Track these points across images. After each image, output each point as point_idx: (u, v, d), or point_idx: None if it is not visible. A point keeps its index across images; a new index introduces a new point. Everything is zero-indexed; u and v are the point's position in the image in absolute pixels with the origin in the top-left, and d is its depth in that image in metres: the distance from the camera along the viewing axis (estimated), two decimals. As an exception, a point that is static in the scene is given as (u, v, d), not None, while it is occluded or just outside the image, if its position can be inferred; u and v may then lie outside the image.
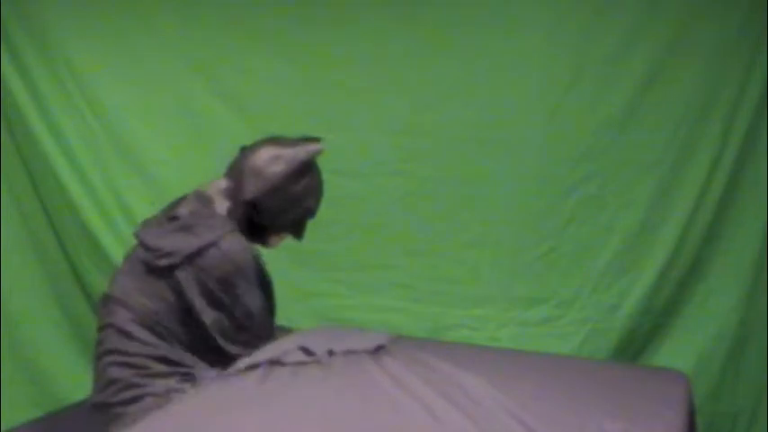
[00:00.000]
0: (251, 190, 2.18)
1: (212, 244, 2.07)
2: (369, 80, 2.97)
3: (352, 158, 3.00)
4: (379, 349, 2.08)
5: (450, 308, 2.99)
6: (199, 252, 2.05)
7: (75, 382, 3.03)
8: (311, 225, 3.07)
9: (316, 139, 2.34)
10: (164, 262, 2.05)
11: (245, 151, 2.24)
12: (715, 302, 2.77)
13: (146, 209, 2.79)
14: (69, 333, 3.16)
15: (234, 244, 2.10)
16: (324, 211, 3.05)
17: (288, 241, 3.15)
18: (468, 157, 2.92)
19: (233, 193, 2.20)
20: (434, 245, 3.00)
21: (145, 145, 3.13)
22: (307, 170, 2.26)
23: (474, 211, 2.95)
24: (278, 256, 3.02)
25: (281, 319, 3.06)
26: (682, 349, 2.79)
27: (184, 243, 2.07)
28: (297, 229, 2.34)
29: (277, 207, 2.22)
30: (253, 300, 2.13)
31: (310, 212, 2.33)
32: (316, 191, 2.32)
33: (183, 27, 3.06)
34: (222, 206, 2.19)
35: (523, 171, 2.89)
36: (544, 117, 2.84)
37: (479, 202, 2.94)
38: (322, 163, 3.02)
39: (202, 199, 2.20)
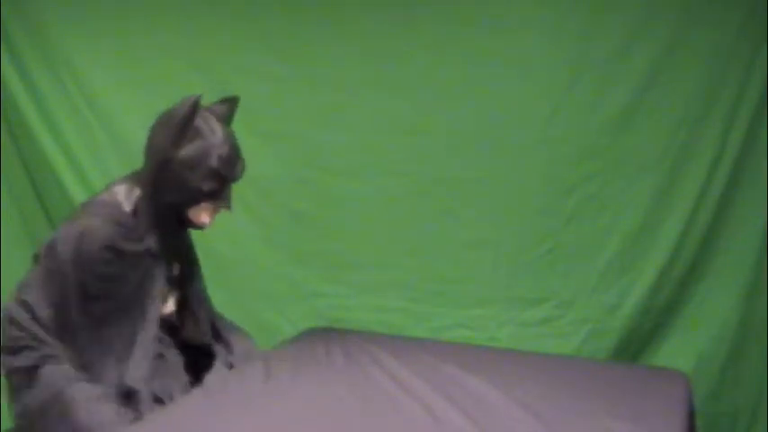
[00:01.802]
0: (144, 171, 2.11)
1: (56, 234, 2.06)
2: (369, 80, 2.96)
3: (352, 158, 3.00)
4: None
5: (450, 308, 2.99)
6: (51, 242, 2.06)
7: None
8: (311, 225, 3.08)
9: (233, 99, 2.22)
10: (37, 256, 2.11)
11: None
12: (715, 302, 2.77)
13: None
14: (69, 333, 3.16)
15: (65, 232, 2.03)
16: (324, 211, 3.07)
17: (288, 241, 3.15)
18: (468, 157, 2.92)
19: (137, 176, 2.16)
20: (434, 245, 3.00)
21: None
22: (191, 127, 2.05)
23: (474, 211, 2.95)
24: (278, 256, 3.03)
25: (281, 318, 3.08)
26: (682, 349, 2.79)
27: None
28: (216, 196, 2.10)
29: (173, 177, 2.04)
30: (40, 290, 2.03)
31: (218, 174, 2.05)
32: (215, 147, 2.04)
33: (183, 27, 3.06)
34: (123, 191, 2.12)
35: (523, 171, 2.89)
36: (544, 117, 2.84)
37: (479, 202, 2.94)
38: (322, 163, 3.04)
39: (109, 189, 2.16)
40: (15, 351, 2.01)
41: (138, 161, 3.09)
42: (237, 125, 3.13)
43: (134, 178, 2.17)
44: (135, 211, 2.10)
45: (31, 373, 1.99)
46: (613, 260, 2.85)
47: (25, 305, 2.02)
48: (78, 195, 3.07)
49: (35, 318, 2.01)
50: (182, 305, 2.31)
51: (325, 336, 2.49)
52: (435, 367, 2.11)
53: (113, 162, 3.11)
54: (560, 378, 2.10)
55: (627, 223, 2.82)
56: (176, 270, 2.26)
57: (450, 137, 2.93)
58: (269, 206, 3.08)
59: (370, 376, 2.06)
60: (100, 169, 3.11)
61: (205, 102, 2.15)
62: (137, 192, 2.12)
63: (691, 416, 2.05)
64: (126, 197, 2.11)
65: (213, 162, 2.03)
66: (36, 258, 2.13)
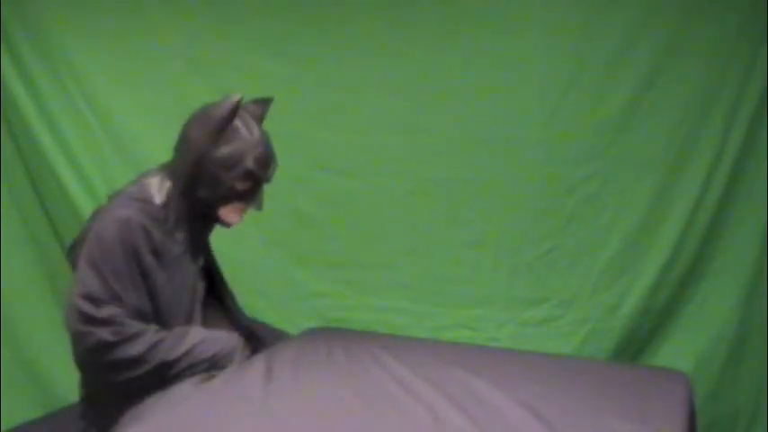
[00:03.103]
0: (177, 163, 2.13)
1: (95, 224, 2.07)
2: (369, 80, 2.96)
3: (352, 158, 3.00)
4: None
5: (450, 308, 2.99)
6: (83, 239, 2.08)
7: (75, 382, 3.02)
8: (311, 225, 3.09)
9: (267, 100, 2.24)
10: (72, 255, 2.14)
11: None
12: (715, 302, 2.77)
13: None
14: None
15: (105, 221, 2.04)
16: (324, 211, 3.07)
17: (288, 241, 3.15)
18: (468, 157, 2.92)
19: (170, 169, 2.16)
20: (434, 245, 3.00)
21: (145, 145, 3.12)
22: (229, 127, 2.08)
23: (474, 211, 2.95)
24: (279, 256, 3.03)
25: (282, 318, 3.08)
26: (682, 349, 2.79)
27: (84, 229, 2.13)
28: (248, 196, 2.14)
29: (209, 174, 2.07)
30: (81, 279, 2.02)
31: (252, 174, 2.10)
32: (251, 148, 2.08)
33: (182, 27, 3.06)
34: (155, 184, 2.13)
35: (523, 171, 2.89)
36: (544, 117, 2.84)
37: (479, 202, 2.94)
38: (322, 163, 3.04)
39: (139, 181, 2.18)
40: (124, 341, 2.00)
41: (136, 160, 3.11)
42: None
43: (166, 171, 2.18)
44: (166, 204, 2.11)
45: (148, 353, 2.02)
46: (613, 260, 2.85)
47: (97, 301, 2.00)
48: (78, 195, 3.07)
49: (119, 305, 2.02)
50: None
51: (325, 336, 2.49)
52: (436, 367, 2.11)
53: (113, 162, 3.11)
54: (561, 378, 2.10)
55: (627, 223, 2.83)
56: (201, 263, 2.29)
57: (450, 137, 2.94)
58: (269, 206, 3.07)
59: (372, 376, 2.06)
60: (100, 169, 3.10)
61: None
62: (168, 184, 2.14)
63: (691, 416, 2.05)
64: (158, 190, 2.13)
65: (249, 163, 2.07)
66: (70, 254, 2.15)
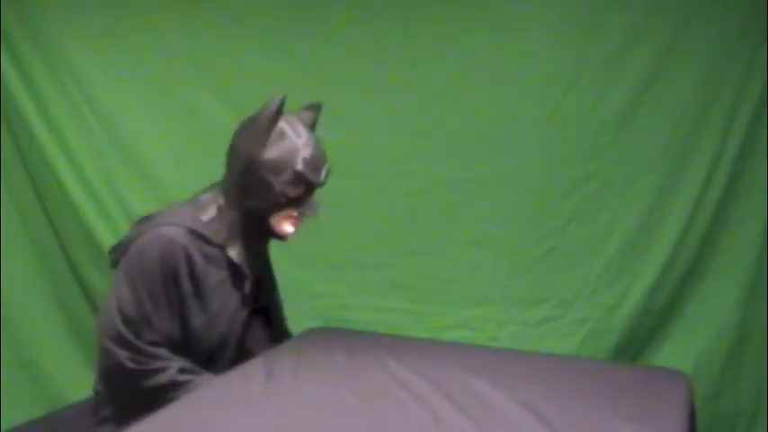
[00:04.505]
0: (228, 176, 2.08)
1: (141, 235, 2.02)
2: (369, 80, 2.96)
3: (352, 158, 3.00)
4: None
5: (450, 308, 2.99)
6: (127, 246, 2.05)
7: (75, 382, 3.03)
8: (311, 225, 3.07)
9: (316, 105, 2.19)
10: (111, 257, 2.11)
11: None
12: (715, 302, 2.77)
13: (145, 208, 2.78)
14: (69, 333, 3.16)
15: (150, 238, 1.99)
16: (324, 210, 3.07)
17: (288, 241, 3.15)
18: (468, 157, 2.92)
19: (222, 184, 2.12)
20: (434, 245, 3.00)
21: (145, 145, 3.12)
22: (276, 131, 2.03)
23: (474, 211, 2.95)
24: (279, 256, 3.02)
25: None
26: (682, 349, 2.80)
27: (130, 235, 2.08)
28: (299, 202, 2.07)
29: (257, 181, 2.01)
30: (117, 293, 1.99)
31: (302, 177, 2.03)
32: (299, 150, 2.02)
33: (182, 27, 3.06)
34: (209, 201, 2.09)
35: (523, 171, 2.89)
36: (544, 117, 2.84)
37: (479, 202, 2.94)
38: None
39: (194, 196, 2.14)
40: (142, 373, 1.98)
41: (136, 160, 3.12)
42: (237, 125, 3.14)
43: (218, 187, 2.13)
44: (214, 219, 2.07)
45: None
46: (613, 260, 2.85)
47: (127, 319, 1.97)
48: (78, 195, 3.07)
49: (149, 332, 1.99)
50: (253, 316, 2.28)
51: (325, 336, 2.49)
52: (437, 367, 2.11)
53: (113, 162, 3.11)
54: (561, 378, 2.10)
55: (627, 223, 2.83)
56: (249, 287, 2.19)
57: (450, 137, 2.94)
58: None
59: (372, 376, 2.06)
60: (100, 169, 3.11)
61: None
62: (220, 199, 2.09)
63: (691, 416, 2.05)
64: (209, 205, 2.08)
65: (298, 165, 2.01)
66: (113, 252, 2.11)
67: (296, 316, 3.02)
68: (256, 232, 2.12)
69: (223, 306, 2.10)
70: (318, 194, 2.13)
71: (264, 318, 2.36)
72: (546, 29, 2.80)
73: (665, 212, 2.78)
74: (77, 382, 2.98)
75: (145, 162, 3.13)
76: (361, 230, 3.04)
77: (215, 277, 2.07)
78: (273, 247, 3.18)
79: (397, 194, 3.00)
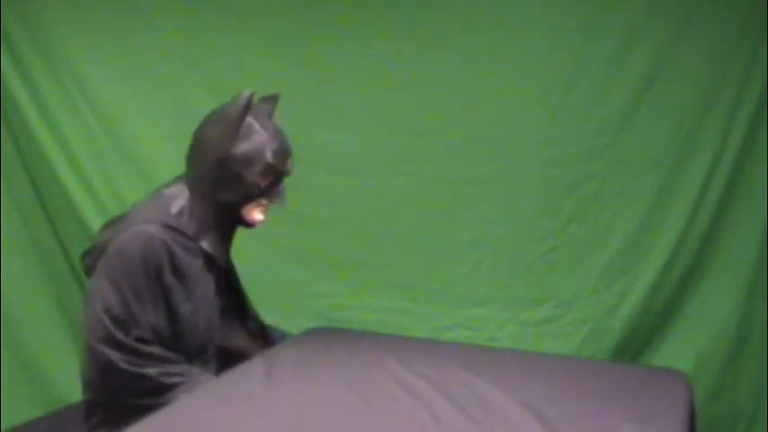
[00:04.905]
0: (196, 170, 2.12)
1: (116, 236, 2.05)
2: (369, 80, 2.96)
3: (352, 158, 3.00)
4: None
5: (450, 308, 2.98)
6: (101, 250, 2.07)
7: (75, 382, 3.01)
8: (311, 225, 3.08)
9: (272, 97, 2.24)
10: (84, 263, 2.14)
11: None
12: (715, 302, 2.77)
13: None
14: (69, 333, 3.16)
15: (128, 237, 2.03)
16: (324, 210, 3.07)
17: (287, 240, 3.15)
18: (468, 156, 2.92)
19: (187, 178, 2.16)
20: (434, 245, 3.00)
21: (144, 145, 3.12)
22: (244, 125, 2.07)
23: (474, 211, 2.95)
24: (279, 256, 3.03)
25: (282, 318, 3.08)
26: (682, 349, 2.79)
27: (102, 238, 2.11)
28: (269, 191, 2.15)
29: (230, 174, 2.07)
30: (101, 296, 2.01)
31: (273, 168, 2.11)
32: (268, 142, 2.09)
33: (182, 27, 3.06)
34: (175, 195, 2.13)
35: (523, 171, 2.88)
36: (544, 117, 2.84)
37: (479, 202, 2.94)
38: (322, 163, 3.04)
39: (157, 192, 2.18)
40: (133, 375, 2.01)
41: (136, 160, 3.12)
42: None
43: (182, 180, 2.18)
44: (181, 213, 2.10)
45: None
46: (613, 260, 2.85)
47: (116, 320, 2.00)
48: (78, 195, 3.07)
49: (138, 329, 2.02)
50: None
51: (325, 336, 2.49)
52: (437, 367, 2.11)
53: (113, 162, 3.12)
54: (561, 378, 2.10)
55: (627, 223, 2.82)
56: (222, 270, 2.26)
57: (450, 137, 2.93)
58: (269, 206, 3.08)
59: (372, 376, 2.06)
60: (100, 169, 3.11)
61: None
62: (185, 193, 2.13)
63: (691, 416, 2.05)
64: (175, 199, 2.12)
65: (268, 157, 2.07)
66: (84, 259, 2.15)
67: (296, 316, 3.03)
68: (228, 222, 2.19)
69: (203, 292, 2.15)
70: (287, 184, 2.22)
71: (237, 304, 2.41)
72: (546, 29, 2.80)
73: (665, 212, 2.78)
74: (77, 382, 2.98)
75: (145, 162, 3.13)
76: (361, 230, 3.04)
77: (194, 266, 2.12)
78: (273, 247, 3.19)
79: (397, 194, 3.00)
